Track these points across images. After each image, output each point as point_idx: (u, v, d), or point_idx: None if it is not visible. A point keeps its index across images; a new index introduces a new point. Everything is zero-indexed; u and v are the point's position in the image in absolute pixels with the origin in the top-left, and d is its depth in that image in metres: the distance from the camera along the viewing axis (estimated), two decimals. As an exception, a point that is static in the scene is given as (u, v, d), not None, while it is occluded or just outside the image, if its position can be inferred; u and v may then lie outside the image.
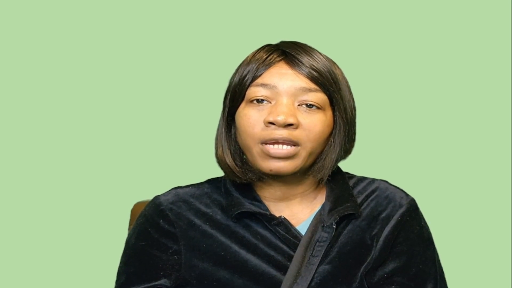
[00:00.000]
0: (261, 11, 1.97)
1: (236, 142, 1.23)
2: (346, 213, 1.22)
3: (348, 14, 1.99)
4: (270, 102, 1.18)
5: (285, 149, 1.16)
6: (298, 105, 1.18)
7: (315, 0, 1.97)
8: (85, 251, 1.96)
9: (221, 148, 1.24)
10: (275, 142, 1.16)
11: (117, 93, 2.01)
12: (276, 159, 1.16)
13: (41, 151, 2.00)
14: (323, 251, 1.20)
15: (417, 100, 2.00)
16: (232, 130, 1.24)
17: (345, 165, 1.30)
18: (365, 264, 1.22)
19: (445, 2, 1.99)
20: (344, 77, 1.25)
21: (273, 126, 1.16)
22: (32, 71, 2.00)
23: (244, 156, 1.23)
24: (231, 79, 1.25)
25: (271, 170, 1.17)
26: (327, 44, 1.31)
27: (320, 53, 1.23)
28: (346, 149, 1.24)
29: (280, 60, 1.21)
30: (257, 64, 1.20)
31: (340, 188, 1.26)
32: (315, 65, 1.19)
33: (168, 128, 1.99)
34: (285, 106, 1.16)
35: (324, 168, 1.21)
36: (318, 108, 1.19)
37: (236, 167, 1.22)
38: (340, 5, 1.98)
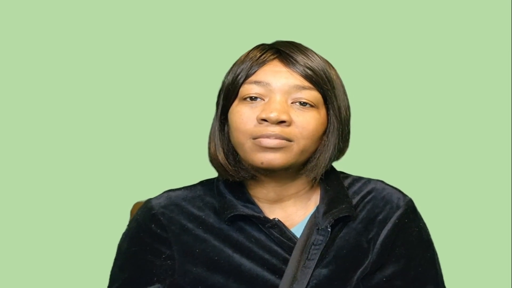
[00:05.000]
0: (256, 11, 1.97)
1: (229, 141, 1.22)
2: (341, 215, 1.21)
3: (343, 15, 1.98)
4: (264, 100, 1.17)
5: (277, 140, 1.15)
6: (292, 102, 1.17)
7: (310, 1, 1.97)
8: (84, 251, 1.95)
9: (214, 147, 1.23)
10: (267, 137, 1.15)
11: (116, 95, 2.00)
12: (268, 150, 1.15)
13: (41, 152, 2.00)
14: (319, 254, 1.19)
15: (414, 99, 1.99)
16: (226, 129, 1.23)
17: (342, 165, 1.28)
18: (362, 268, 1.20)
19: (442, 2, 1.98)
20: (338, 77, 1.24)
21: (265, 123, 1.15)
22: (31, 71, 2.00)
23: (238, 156, 1.21)
24: (224, 78, 1.25)
25: (262, 163, 1.16)
26: (322, 45, 1.31)
27: (315, 53, 1.22)
28: (340, 148, 1.23)
29: (274, 58, 1.20)
30: (251, 62, 1.20)
31: (335, 189, 1.24)
32: (309, 63, 1.19)
33: (167, 129, 1.98)
34: (278, 103, 1.16)
35: (318, 167, 1.20)
36: (311, 106, 1.18)
37: (229, 166, 1.21)
38: (335, 5, 1.98)
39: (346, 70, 1.29)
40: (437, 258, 1.27)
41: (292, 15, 1.96)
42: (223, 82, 1.24)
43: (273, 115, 1.14)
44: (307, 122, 1.16)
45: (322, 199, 1.23)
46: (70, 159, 2.00)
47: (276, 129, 1.14)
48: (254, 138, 1.16)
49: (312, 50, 1.22)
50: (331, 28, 1.96)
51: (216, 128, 1.23)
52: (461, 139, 1.99)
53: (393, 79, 1.99)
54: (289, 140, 1.15)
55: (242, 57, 1.22)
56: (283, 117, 1.14)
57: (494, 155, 1.98)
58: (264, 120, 1.15)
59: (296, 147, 1.16)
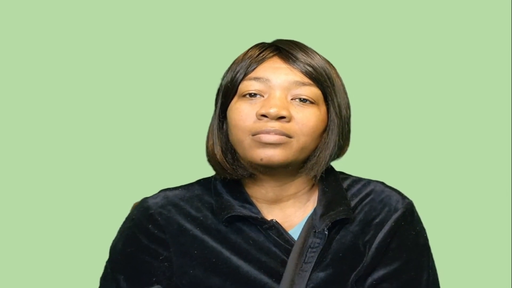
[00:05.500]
0: (256, 11, 1.97)
1: (228, 139, 1.21)
2: (338, 218, 1.19)
3: (343, 15, 1.98)
4: (263, 96, 1.17)
5: (277, 136, 1.14)
6: (292, 99, 1.17)
7: (310, 1, 1.97)
8: (83, 251, 1.93)
9: (212, 145, 1.22)
10: (267, 133, 1.14)
11: (117, 95, 1.99)
12: (267, 146, 1.14)
13: (40, 152, 1.98)
14: (316, 257, 1.17)
15: (414, 99, 1.98)
16: (224, 127, 1.22)
17: (342, 165, 1.27)
18: (356, 271, 1.18)
19: (442, 2, 1.97)
20: (338, 76, 1.24)
21: (265, 119, 1.14)
22: (30, 71, 1.99)
23: (236, 154, 1.20)
24: (223, 77, 1.24)
25: (261, 159, 1.14)
26: (322, 45, 1.30)
27: (315, 51, 1.22)
28: (340, 146, 1.22)
29: (274, 55, 1.20)
30: (250, 60, 1.20)
31: (333, 191, 1.23)
32: (309, 60, 1.19)
33: (166, 129, 1.97)
34: (278, 99, 1.15)
35: (318, 165, 1.19)
36: (311, 102, 1.17)
37: (227, 164, 1.20)
38: (335, 5, 1.98)
39: (346, 70, 1.28)
40: (433, 264, 1.25)
41: (292, 15, 1.96)
42: (222, 81, 1.24)
43: (272, 111, 1.13)
44: (307, 118, 1.16)
45: (319, 201, 1.21)
46: (69, 159, 1.98)
47: (276, 125, 1.13)
48: (254, 135, 1.15)
49: (312, 49, 1.22)
50: (331, 28, 1.96)
51: (215, 126, 1.23)
52: (462, 138, 1.97)
53: (393, 79, 1.98)
54: (289, 136, 1.14)
55: (241, 56, 1.22)
56: (283, 113, 1.13)
57: (496, 156, 1.96)
58: (264, 116, 1.14)
59: (296, 144, 1.15)
